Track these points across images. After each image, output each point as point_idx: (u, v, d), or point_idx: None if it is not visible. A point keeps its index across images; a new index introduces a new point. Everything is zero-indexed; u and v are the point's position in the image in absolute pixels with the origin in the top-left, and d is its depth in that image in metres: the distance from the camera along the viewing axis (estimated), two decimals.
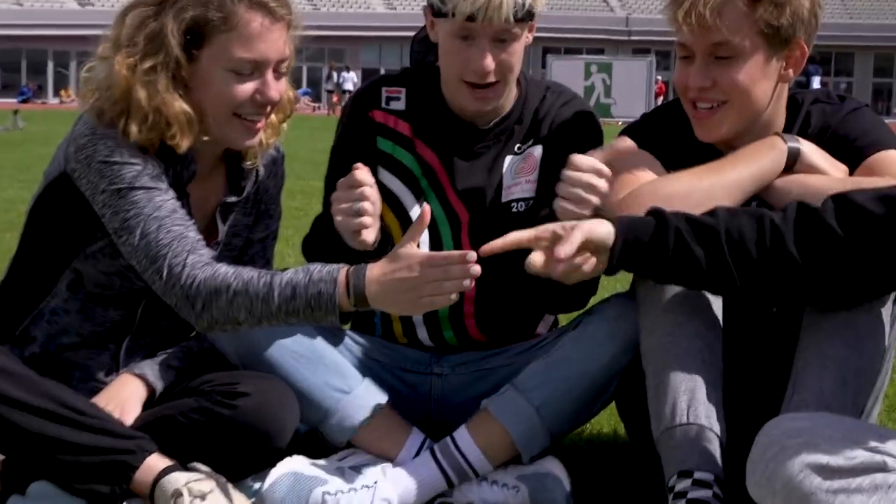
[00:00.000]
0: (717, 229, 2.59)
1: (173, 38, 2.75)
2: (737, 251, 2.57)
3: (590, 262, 2.61)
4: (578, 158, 2.75)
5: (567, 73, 45.65)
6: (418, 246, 3.11)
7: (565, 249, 2.53)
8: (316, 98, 55.36)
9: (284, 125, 3.04)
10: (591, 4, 72.95)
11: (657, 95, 43.47)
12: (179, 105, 2.76)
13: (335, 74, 49.06)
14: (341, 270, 2.56)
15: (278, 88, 2.84)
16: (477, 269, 2.48)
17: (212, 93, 2.80)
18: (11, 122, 24.34)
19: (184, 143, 2.79)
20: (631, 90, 41.50)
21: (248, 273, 2.63)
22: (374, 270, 2.54)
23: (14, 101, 42.77)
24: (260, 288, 2.59)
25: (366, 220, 2.74)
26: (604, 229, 2.61)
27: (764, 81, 2.90)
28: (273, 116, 2.95)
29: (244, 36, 2.77)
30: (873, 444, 2.29)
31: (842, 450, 2.27)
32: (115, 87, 2.76)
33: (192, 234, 2.72)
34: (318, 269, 2.58)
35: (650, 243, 2.60)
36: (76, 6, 62.22)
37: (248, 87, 2.80)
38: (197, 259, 2.67)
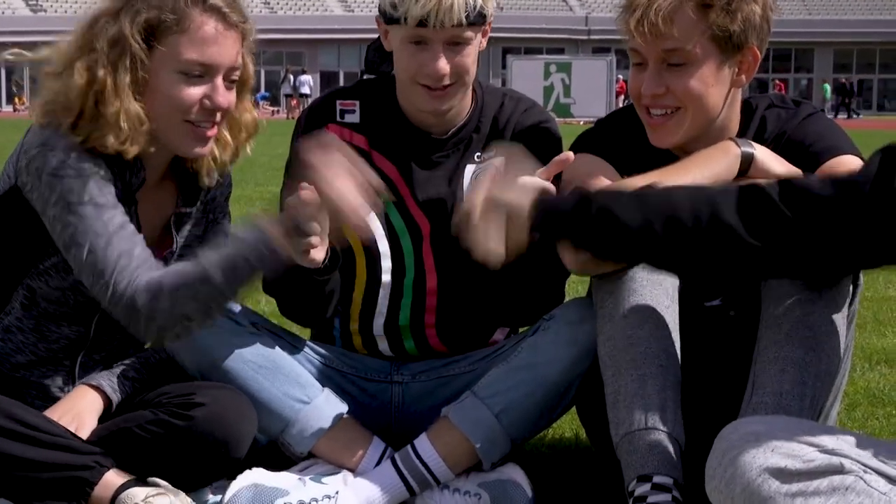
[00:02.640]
0: (645, 194, 2.56)
1: (133, 40, 2.76)
2: (668, 219, 2.52)
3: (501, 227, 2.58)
4: (525, 180, 2.76)
5: (527, 73, 45.65)
6: (378, 256, 3.14)
7: (471, 196, 2.56)
8: (274, 102, 55.23)
9: (248, 148, 3.05)
10: (550, 4, 73.06)
11: (618, 94, 43.52)
12: (135, 108, 2.77)
13: (291, 78, 48.94)
14: (256, 220, 2.66)
15: (227, 97, 2.85)
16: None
17: (160, 96, 2.81)
18: None
19: (132, 150, 2.79)
20: (591, 90, 41.49)
21: (179, 266, 2.68)
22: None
23: None
24: (195, 271, 2.64)
25: (314, 240, 2.74)
26: (515, 196, 2.58)
27: (717, 87, 2.92)
28: (228, 134, 2.96)
29: (195, 39, 2.79)
30: (831, 446, 2.31)
31: (799, 453, 2.29)
32: (73, 93, 2.76)
33: (137, 250, 2.73)
34: (241, 230, 2.67)
35: (572, 206, 2.56)
36: (28, 12, 61.86)
37: (196, 91, 2.81)
38: (139, 274, 2.69)
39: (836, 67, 73.01)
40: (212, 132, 2.87)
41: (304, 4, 70.88)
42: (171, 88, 2.80)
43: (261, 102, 50.68)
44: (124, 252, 2.71)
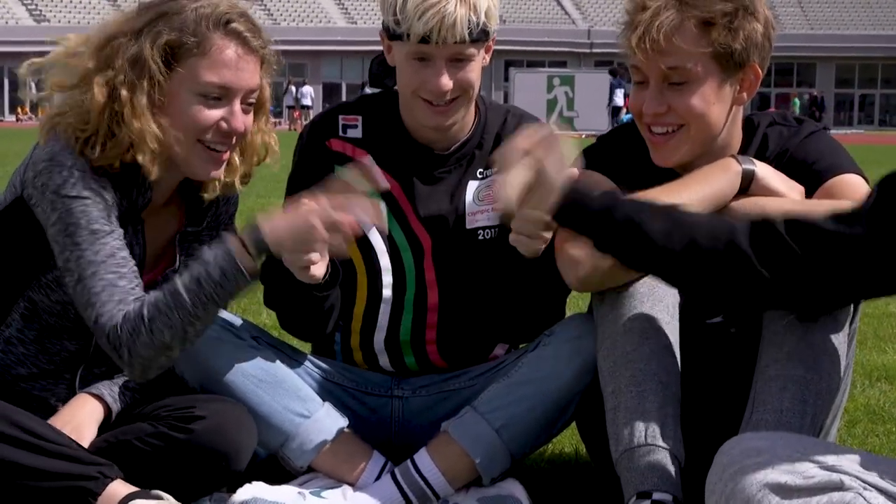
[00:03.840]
0: (670, 211, 2.57)
1: (153, 61, 2.78)
2: (689, 240, 2.52)
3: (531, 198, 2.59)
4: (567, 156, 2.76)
5: (529, 86, 45.78)
6: (380, 271, 3.14)
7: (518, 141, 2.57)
8: (277, 114, 55.28)
9: (253, 169, 3.06)
10: (552, 17, 73.17)
11: (619, 111, 43.51)
12: (153, 129, 2.79)
13: (293, 89, 48.98)
14: (229, 239, 2.67)
15: (244, 120, 2.87)
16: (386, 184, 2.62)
17: (178, 116, 2.82)
18: None
19: (154, 169, 2.81)
20: (594, 103, 41.55)
21: (153, 295, 2.70)
22: (269, 217, 2.67)
23: None
24: (168, 299, 2.67)
25: (313, 256, 2.75)
26: (555, 165, 2.59)
27: (718, 105, 2.92)
28: (237, 159, 2.97)
29: (216, 62, 2.81)
30: (831, 462, 2.32)
31: (799, 469, 2.30)
32: (94, 110, 2.77)
33: (123, 282, 2.75)
34: (208, 251, 2.67)
35: (598, 200, 2.56)
36: (32, 22, 61.96)
37: (213, 114, 2.83)
38: (121, 308, 2.71)
39: (838, 82, 73.08)
40: (225, 156, 2.89)
41: (307, 16, 70.99)
42: (188, 110, 2.82)
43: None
44: (108, 284, 2.73)
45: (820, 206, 2.72)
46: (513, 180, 2.55)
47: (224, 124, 2.84)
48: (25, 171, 2.83)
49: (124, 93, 2.77)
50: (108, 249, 2.75)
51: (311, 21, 70.42)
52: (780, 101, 61.05)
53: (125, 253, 2.79)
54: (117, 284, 2.73)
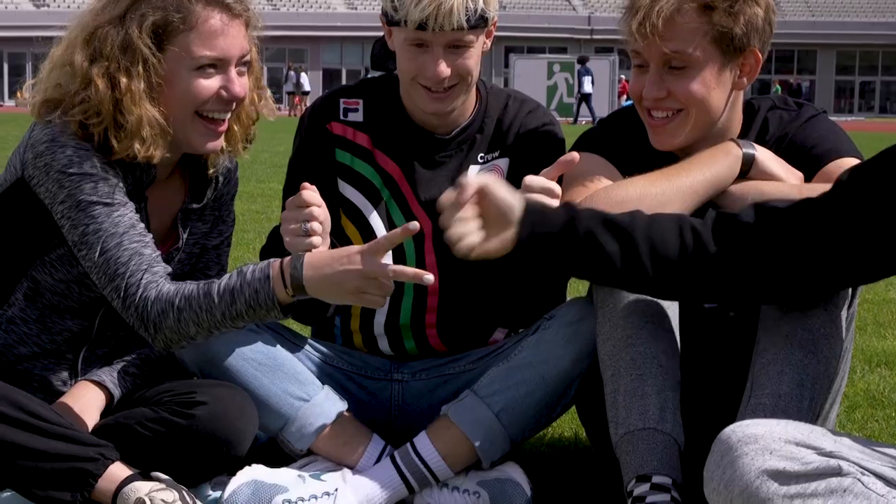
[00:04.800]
0: (631, 225, 2.59)
1: (143, 44, 2.79)
2: (652, 249, 2.57)
3: (485, 235, 2.59)
4: (530, 179, 2.76)
5: (530, 72, 45.69)
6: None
7: (460, 194, 2.55)
8: (277, 100, 55.14)
9: (252, 130, 3.07)
10: (553, 3, 73.01)
11: (620, 94, 43.55)
12: (153, 114, 2.80)
13: (293, 75, 48.98)
14: (273, 265, 2.66)
15: (242, 84, 2.89)
16: (429, 277, 2.56)
17: (176, 94, 2.84)
18: None
19: (157, 154, 2.83)
20: (594, 89, 41.51)
21: (190, 287, 2.71)
22: (313, 258, 2.64)
23: None
24: (202, 300, 2.68)
25: (315, 240, 2.76)
26: (510, 197, 2.59)
27: (718, 90, 2.92)
28: (235, 126, 2.98)
29: (204, 34, 2.82)
30: (829, 448, 2.32)
31: (798, 455, 2.30)
32: (95, 100, 2.78)
33: (148, 250, 2.76)
34: (252, 270, 2.68)
35: (560, 229, 2.59)
36: (32, 7, 61.84)
37: (212, 84, 2.85)
38: (150, 279, 2.73)
39: (838, 69, 72.98)
40: (223, 127, 2.91)
41: (308, 1, 70.86)
42: (187, 86, 2.84)
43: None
44: (134, 254, 2.75)
45: (816, 190, 2.72)
46: (467, 224, 2.58)
47: (224, 92, 2.86)
48: (25, 152, 2.83)
49: (123, 80, 2.78)
50: (127, 220, 2.78)
51: (312, 6, 70.28)
52: (781, 87, 60.94)
53: (143, 226, 2.80)
54: (143, 253, 2.76)
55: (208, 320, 2.69)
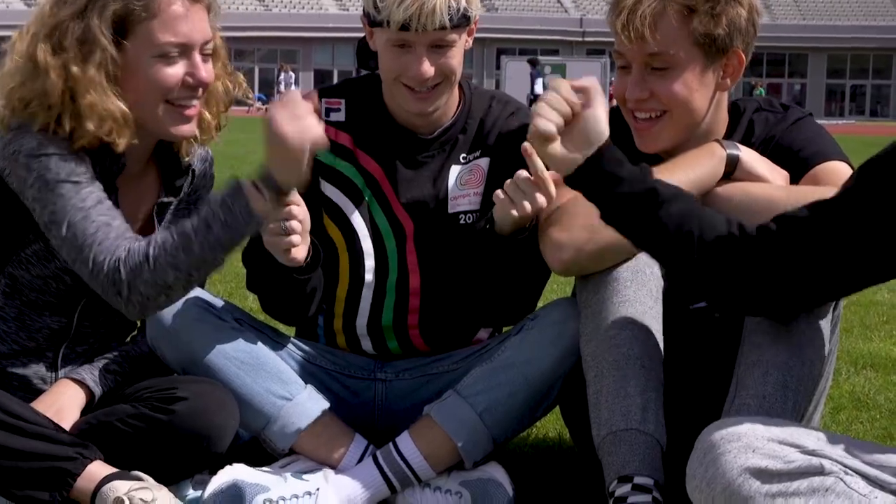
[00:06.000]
0: (689, 200, 2.58)
1: (103, 36, 2.78)
2: (702, 226, 2.54)
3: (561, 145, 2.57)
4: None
5: (521, 73, 45.79)
6: (362, 255, 3.12)
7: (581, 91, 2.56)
8: (269, 100, 55.21)
9: (223, 118, 3.07)
10: (545, 5, 73.17)
11: (611, 98, 43.61)
12: (115, 104, 2.79)
13: (283, 75, 49.09)
14: (239, 181, 2.65)
15: (208, 69, 2.90)
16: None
17: (142, 82, 2.84)
18: None
19: (121, 142, 2.81)
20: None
21: (160, 234, 2.69)
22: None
23: None
24: (177, 240, 2.65)
25: (294, 238, 2.77)
26: (605, 125, 2.58)
27: (701, 91, 2.92)
28: (206, 112, 2.98)
29: (166, 20, 2.82)
30: (812, 447, 2.32)
31: (780, 454, 2.30)
32: (50, 93, 2.77)
33: (116, 222, 2.75)
34: (218, 194, 2.67)
35: (628, 168, 2.56)
36: (23, 6, 61.80)
37: (178, 71, 2.85)
38: (119, 243, 2.70)
39: (829, 73, 73.18)
40: (193, 111, 2.90)
41: (300, 2, 70.93)
42: (152, 73, 2.83)
43: (258, 102, 50.60)
44: (102, 225, 2.72)
45: (803, 192, 2.72)
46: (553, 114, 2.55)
47: (189, 78, 2.86)
48: None
49: (75, 69, 2.77)
50: (94, 197, 2.76)
51: (304, 7, 70.36)
52: (771, 90, 61.11)
53: (110, 203, 2.79)
54: (111, 224, 2.74)
55: (186, 259, 2.64)
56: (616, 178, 2.54)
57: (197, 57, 2.87)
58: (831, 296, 2.70)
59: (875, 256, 2.46)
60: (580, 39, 67.95)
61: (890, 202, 2.42)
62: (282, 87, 48.73)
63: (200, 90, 2.89)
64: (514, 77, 45.30)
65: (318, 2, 70.48)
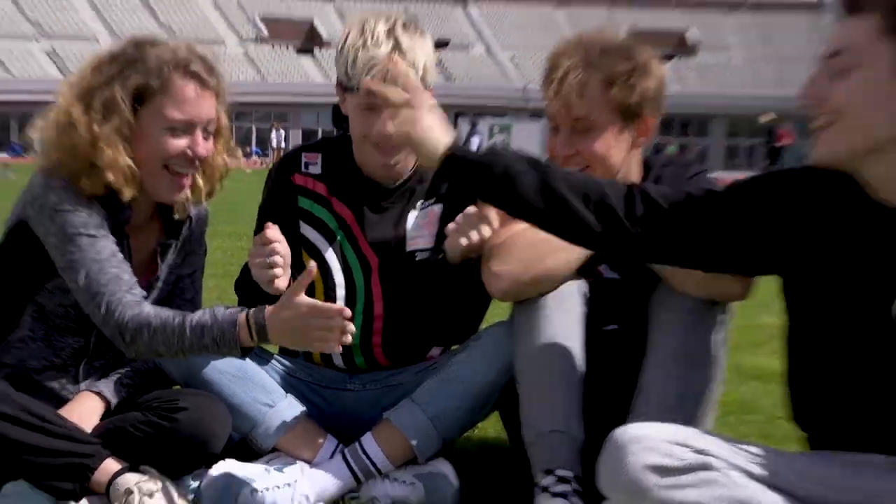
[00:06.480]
0: (545, 168, 2.46)
1: (123, 103, 2.78)
2: (557, 195, 2.43)
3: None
4: (471, 209, 2.79)
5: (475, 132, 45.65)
6: (331, 291, 3.11)
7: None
8: (265, 154, 54.87)
9: (217, 185, 3.03)
10: (494, 75, 73.28)
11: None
12: (125, 161, 2.78)
13: (274, 133, 48.93)
14: (241, 314, 2.59)
15: (206, 147, 2.87)
16: (351, 326, 2.53)
17: (148, 147, 2.82)
18: (2, 173, 23.97)
19: (127, 192, 2.80)
20: (527, 148, 41.56)
21: (166, 314, 2.65)
22: (270, 311, 2.57)
23: (5, 156, 41.93)
24: (175, 327, 2.62)
25: (277, 271, 2.76)
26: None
27: (618, 149, 2.92)
28: (201, 179, 2.95)
29: (177, 100, 2.80)
30: (701, 447, 2.33)
31: (675, 453, 2.30)
32: (77, 145, 2.77)
33: (126, 276, 2.73)
34: (222, 312, 2.61)
35: (478, 154, 2.47)
36: (59, 75, 61.40)
37: (180, 143, 2.83)
38: (129, 298, 2.69)
39: (728, 134, 73.48)
40: (187, 180, 2.88)
41: (289, 72, 70.80)
42: (157, 141, 2.82)
43: (254, 155, 50.54)
44: (114, 277, 2.71)
45: None
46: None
47: (189, 152, 2.84)
48: (25, 197, 2.83)
49: (96, 129, 2.76)
50: (108, 250, 2.75)
51: (293, 77, 70.23)
52: (681, 148, 61.29)
53: (121, 256, 2.78)
54: (122, 277, 2.72)
55: (177, 345, 2.64)
56: (470, 166, 2.46)
57: (199, 134, 2.85)
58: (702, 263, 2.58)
59: (740, 245, 2.43)
60: (524, 105, 68.01)
61: (762, 206, 2.42)
62: (273, 144, 48.64)
63: (197, 162, 2.87)
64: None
65: (306, 73, 70.33)
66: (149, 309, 2.68)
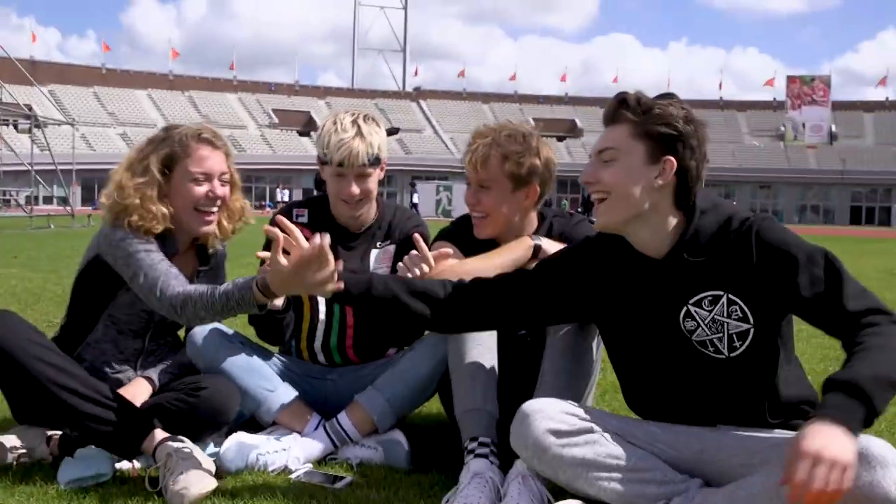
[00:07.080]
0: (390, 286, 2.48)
1: (155, 168, 2.80)
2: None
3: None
4: (413, 252, 2.75)
5: (426, 191, 46.06)
6: (316, 307, 3.06)
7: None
8: (273, 207, 54.69)
9: (238, 225, 2.99)
10: (440, 150, 73.52)
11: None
12: (158, 208, 2.79)
13: (279, 191, 48.87)
14: (252, 281, 2.53)
15: (223, 190, 2.88)
16: (321, 239, 2.34)
17: (181, 196, 2.83)
18: (87, 221, 23.99)
19: (158, 228, 2.80)
20: (464, 203, 41.78)
21: (202, 288, 2.62)
22: (270, 273, 2.46)
23: (90, 208, 41.49)
24: (207, 298, 2.59)
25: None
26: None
27: (511, 203, 2.92)
28: (224, 222, 2.94)
29: (197, 159, 2.82)
30: (585, 416, 2.35)
31: (567, 421, 2.33)
32: (128, 202, 2.77)
33: (172, 270, 2.72)
34: (240, 282, 2.57)
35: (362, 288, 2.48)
36: (125, 146, 60.85)
37: (203, 189, 2.84)
38: (174, 283, 2.68)
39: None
40: (212, 217, 2.88)
41: (293, 149, 70.56)
42: (187, 191, 2.83)
43: (267, 208, 50.36)
44: (163, 272, 2.70)
45: (500, 259, 2.77)
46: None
47: (210, 194, 2.85)
48: (98, 237, 2.82)
49: (140, 189, 2.78)
50: (157, 258, 2.74)
51: (296, 152, 70.04)
52: (573, 203, 61.82)
53: (168, 262, 2.75)
54: (170, 272, 2.70)
55: (212, 308, 2.58)
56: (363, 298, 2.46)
57: (216, 182, 2.86)
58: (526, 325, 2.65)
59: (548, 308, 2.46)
60: (461, 171, 68.15)
61: (562, 278, 2.43)
62: (278, 199, 48.51)
63: (219, 202, 2.87)
64: (423, 193, 45.41)
65: (305, 149, 70.06)
66: (189, 287, 2.66)
